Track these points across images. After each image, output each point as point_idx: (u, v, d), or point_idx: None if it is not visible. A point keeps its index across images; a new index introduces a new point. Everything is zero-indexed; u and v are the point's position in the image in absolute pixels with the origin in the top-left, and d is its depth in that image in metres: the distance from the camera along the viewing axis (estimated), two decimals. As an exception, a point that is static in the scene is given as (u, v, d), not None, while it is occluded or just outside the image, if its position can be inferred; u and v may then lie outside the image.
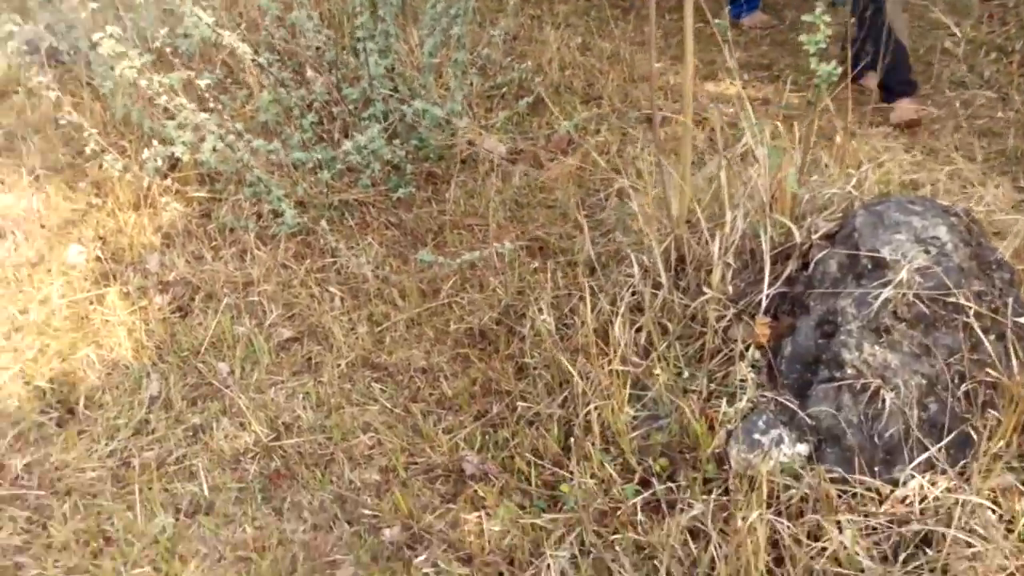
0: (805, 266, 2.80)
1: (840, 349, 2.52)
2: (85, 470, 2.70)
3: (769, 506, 2.30)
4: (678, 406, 2.58)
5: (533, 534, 2.45)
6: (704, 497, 2.39)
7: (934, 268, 2.54)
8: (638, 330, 2.84)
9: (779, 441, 2.45)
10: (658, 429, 2.61)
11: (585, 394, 2.68)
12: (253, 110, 3.99)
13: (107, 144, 3.61)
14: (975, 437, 2.39)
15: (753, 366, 2.64)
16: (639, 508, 2.41)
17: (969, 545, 2.20)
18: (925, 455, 2.36)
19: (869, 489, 2.33)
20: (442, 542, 2.47)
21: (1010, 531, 2.26)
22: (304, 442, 2.78)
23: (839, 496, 2.32)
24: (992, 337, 2.50)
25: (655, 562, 2.30)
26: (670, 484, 2.45)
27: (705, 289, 2.79)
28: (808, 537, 2.26)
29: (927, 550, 2.23)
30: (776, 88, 4.44)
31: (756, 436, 2.47)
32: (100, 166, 3.64)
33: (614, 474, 2.49)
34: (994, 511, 2.28)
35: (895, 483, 2.35)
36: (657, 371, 2.68)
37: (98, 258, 3.44)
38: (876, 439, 2.40)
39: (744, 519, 2.25)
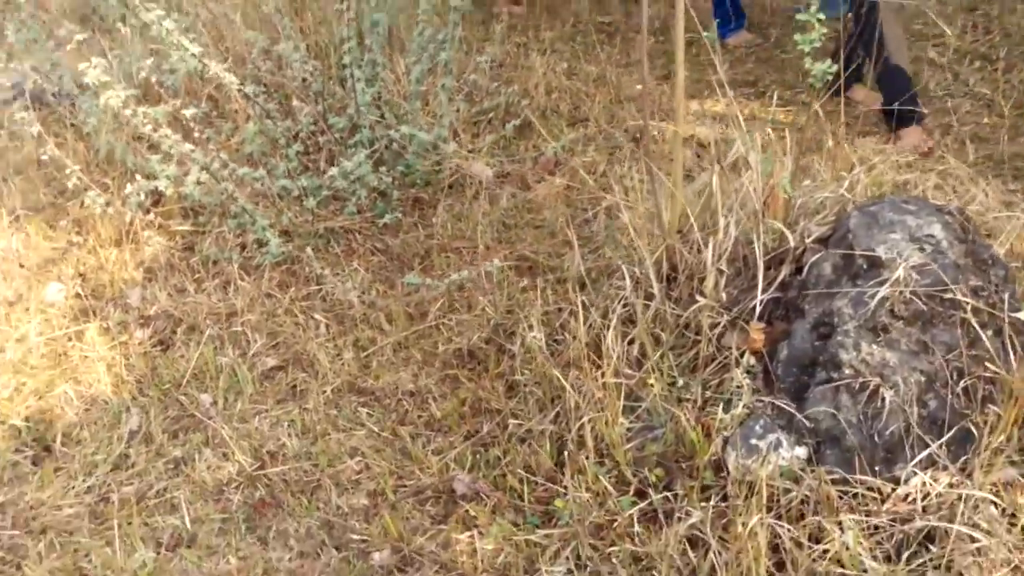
0: (799, 270, 2.74)
1: (837, 350, 2.45)
2: (62, 507, 2.62)
3: (769, 510, 2.22)
4: (673, 415, 2.50)
5: (528, 551, 2.36)
6: (702, 505, 2.31)
7: (930, 265, 2.48)
8: (630, 342, 2.77)
9: (777, 445, 2.37)
10: (653, 439, 2.53)
11: (578, 407, 2.61)
12: (239, 142, 3.94)
13: (90, 181, 3.56)
14: (975, 432, 2.33)
15: (748, 372, 2.57)
16: (635, 519, 2.33)
17: (973, 540, 2.13)
18: (926, 452, 2.29)
19: (870, 488, 2.26)
20: (434, 563, 2.38)
21: (1013, 525, 2.19)
22: (289, 469, 2.70)
23: (840, 497, 2.24)
24: (990, 333, 2.44)
25: (653, 572, 2.22)
26: (667, 494, 2.37)
27: (698, 297, 2.72)
28: (809, 539, 2.18)
29: (930, 547, 2.16)
30: (763, 103, 4.40)
31: (753, 441, 2.39)
32: (82, 204, 3.59)
33: (609, 487, 2.41)
34: (997, 505, 2.21)
35: (896, 481, 2.28)
36: (651, 381, 2.61)
37: (78, 295, 3.37)
38: (876, 438, 2.32)
39: (744, 524, 2.17)
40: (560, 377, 2.69)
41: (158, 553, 2.48)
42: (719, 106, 4.18)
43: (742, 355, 2.60)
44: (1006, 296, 2.52)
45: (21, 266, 3.51)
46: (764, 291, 2.67)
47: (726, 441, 2.43)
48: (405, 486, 2.63)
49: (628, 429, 2.55)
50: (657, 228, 2.95)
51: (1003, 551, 2.12)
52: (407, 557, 2.41)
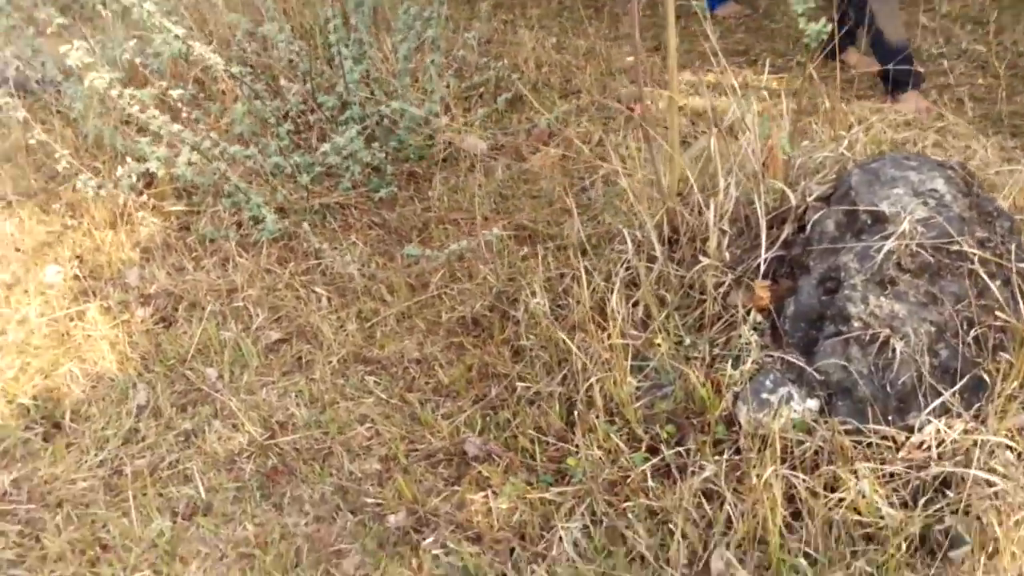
0: (801, 228, 2.75)
1: (845, 303, 2.46)
2: (75, 481, 2.60)
3: (783, 462, 2.23)
4: (682, 373, 2.51)
5: (542, 508, 2.37)
6: (715, 459, 2.31)
7: (935, 218, 2.50)
8: (635, 304, 2.77)
9: (788, 398, 2.38)
10: (662, 397, 2.53)
11: (585, 369, 2.60)
12: (228, 123, 3.92)
13: (80, 166, 3.54)
14: (988, 380, 2.34)
15: (756, 328, 2.58)
16: (649, 475, 2.33)
17: (990, 484, 2.14)
18: (939, 400, 2.30)
19: (884, 438, 2.27)
20: (449, 523, 2.38)
21: (1029, 470, 2.21)
22: (300, 438, 2.69)
23: (854, 447, 2.26)
24: (998, 283, 2.45)
25: (670, 526, 2.22)
26: (679, 449, 2.38)
27: (701, 258, 2.72)
28: (825, 489, 2.20)
29: (947, 492, 2.17)
30: (755, 71, 4.41)
31: (764, 395, 2.40)
32: (74, 188, 3.55)
33: (621, 444, 2.41)
34: (1012, 450, 2.23)
35: (910, 430, 2.29)
36: (658, 341, 2.61)
37: (76, 276, 3.35)
38: (888, 388, 2.33)
39: (758, 476, 2.18)
40: (566, 340, 2.69)
41: (175, 522, 2.48)
42: (711, 77, 4.18)
43: (748, 313, 2.61)
44: (1013, 247, 2.53)
45: (17, 250, 3.49)
46: (768, 249, 2.68)
47: (736, 396, 2.43)
48: (416, 450, 2.63)
49: (637, 388, 2.56)
50: (656, 192, 2.95)
51: (1021, 494, 2.13)
52: (422, 518, 2.41)
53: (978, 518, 2.11)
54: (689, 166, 2.92)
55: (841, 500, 2.17)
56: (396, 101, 3.78)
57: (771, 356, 2.51)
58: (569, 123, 4.05)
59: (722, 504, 2.23)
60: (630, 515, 2.27)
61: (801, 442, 2.29)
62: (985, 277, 2.43)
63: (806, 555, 2.14)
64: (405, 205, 3.65)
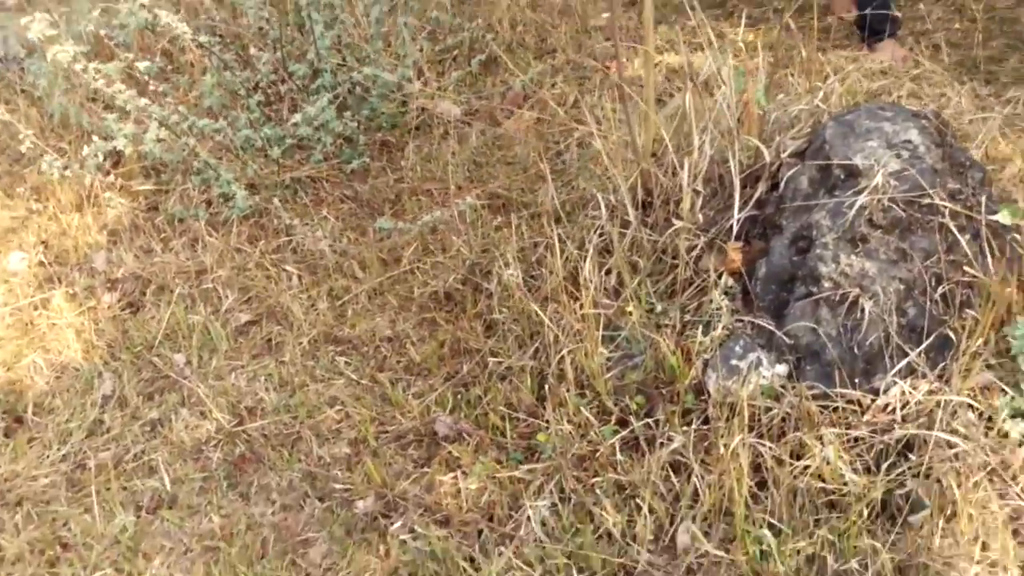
0: (775, 186, 2.68)
1: (816, 263, 2.41)
2: (37, 477, 2.56)
3: (751, 430, 2.20)
4: (652, 341, 2.46)
5: (511, 487, 2.33)
6: (684, 429, 2.28)
7: (908, 171, 2.44)
8: (608, 272, 2.72)
9: (757, 364, 2.33)
10: (633, 367, 2.48)
11: (557, 341, 2.55)
12: (196, 96, 3.85)
13: (45, 146, 3.48)
14: (954, 338, 2.30)
15: (727, 293, 2.53)
16: (618, 448, 2.29)
17: (951, 446, 2.11)
18: (905, 361, 2.26)
19: (851, 401, 2.24)
20: (418, 507, 2.34)
21: (990, 428, 2.18)
22: (269, 424, 2.65)
23: (821, 411, 2.22)
24: (968, 236, 2.41)
25: (637, 500, 2.18)
26: (648, 420, 2.33)
27: (674, 220, 2.66)
28: (791, 456, 2.16)
29: (909, 455, 2.15)
30: (731, 23, 4.30)
31: (734, 362, 2.35)
32: (38, 170, 3.48)
33: (591, 417, 2.37)
34: (974, 409, 2.20)
35: (876, 392, 2.26)
36: (629, 309, 2.55)
37: (41, 263, 3.29)
38: (856, 350, 2.29)
39: (725, 446, 2.14)
40: (538, 312, 2.64)
41: (138, 516, 2.44)
42: (686, 32, 4.08)
43: (720, 276, 2.56)
44: (983, 199, 2.48)
45: (-20, 237, 3.44)
46: (741, 209, 2.62)
47: (706, 364, 2.38)
48: (387, 432, 2.58)
49: (608, 359, 2.51)
50: (631, 153, 2.88)
51: (980, 455, 2.10)
52: (391, 502, 2.37)
53: (938, 481, 2.08)
54: (664, 125, 2.85)
55: (806, 468, 2.14)
56: (368, 67, 3.70)
57: (742, 321, 2.46)
58: (544, 84, 3.97)
59: (689, 476, 2.19)
60: (598, 491, 2.23)
61: (769, 409, 2.25)
62: (955, 231, 2.38)
63: (771, 526, 2.11)
64: (378, 176, 3.58)
